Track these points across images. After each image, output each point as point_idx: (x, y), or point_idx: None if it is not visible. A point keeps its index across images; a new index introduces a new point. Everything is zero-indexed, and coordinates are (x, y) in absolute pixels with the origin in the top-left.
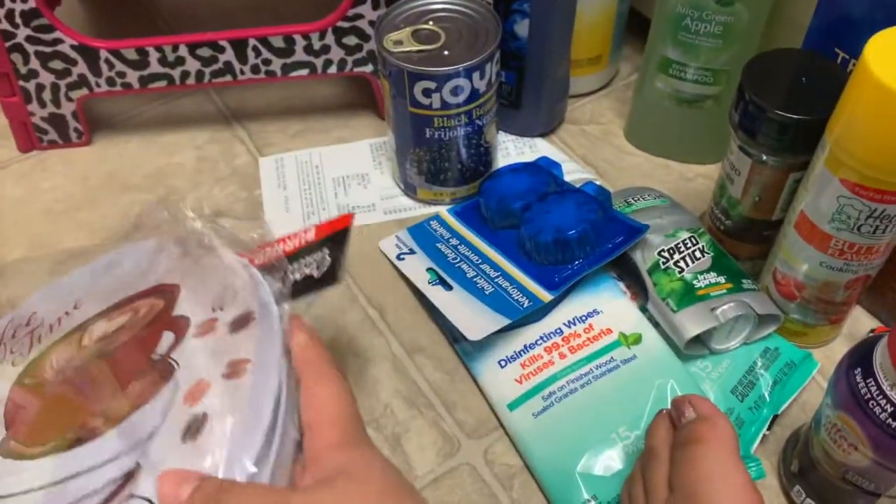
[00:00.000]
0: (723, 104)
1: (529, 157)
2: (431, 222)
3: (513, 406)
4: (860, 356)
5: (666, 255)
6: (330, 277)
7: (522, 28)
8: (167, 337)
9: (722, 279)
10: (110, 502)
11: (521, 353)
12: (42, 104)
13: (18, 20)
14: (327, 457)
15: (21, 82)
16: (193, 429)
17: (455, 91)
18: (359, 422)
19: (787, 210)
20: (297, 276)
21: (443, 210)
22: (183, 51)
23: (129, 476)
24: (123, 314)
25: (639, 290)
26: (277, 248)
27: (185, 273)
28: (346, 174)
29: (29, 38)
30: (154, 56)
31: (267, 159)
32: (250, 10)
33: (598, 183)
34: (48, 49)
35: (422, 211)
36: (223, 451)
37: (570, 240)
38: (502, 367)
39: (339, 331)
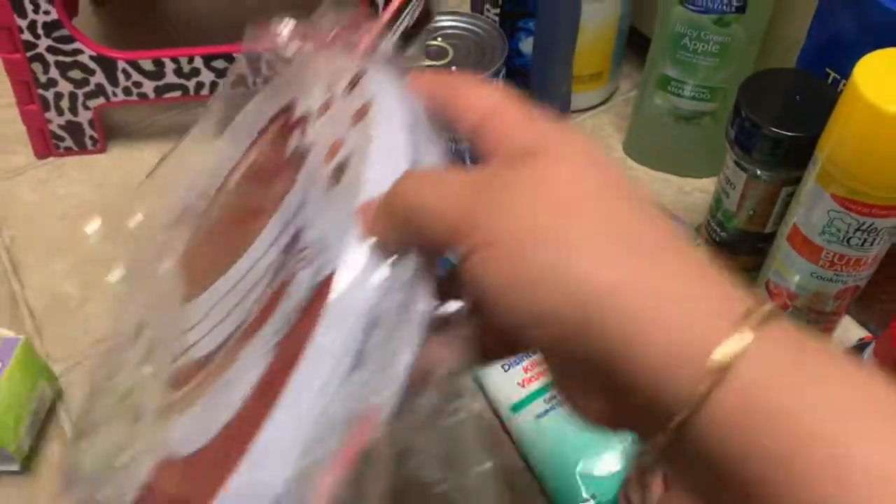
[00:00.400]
0: (719, 120)
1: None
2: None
3: (516, 408)
4: None
5: None
6: (426, 18)
7: (527, 46)
8: (295, 136)
9: None
10: (283, 268)
11: (525, 356)
12: (60, 112)
13: (40, 31)
14: (516, 134)
15: (40, 91)
16: (336, 175)
17: None
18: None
19: (780, 223)
20: (402, 30)
21: None
22: (198, 62)
23: (295, 238)
24: (256, 147)
25: None
26: (373, 24)
27: (296, 85)
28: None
29: (49, 49)
30: (170, 67)
31: None
32: (262, 21)
33: None
34: (68, 59)
35: None
36: (368, 178)
37: None
38: (506, 370)
39: None
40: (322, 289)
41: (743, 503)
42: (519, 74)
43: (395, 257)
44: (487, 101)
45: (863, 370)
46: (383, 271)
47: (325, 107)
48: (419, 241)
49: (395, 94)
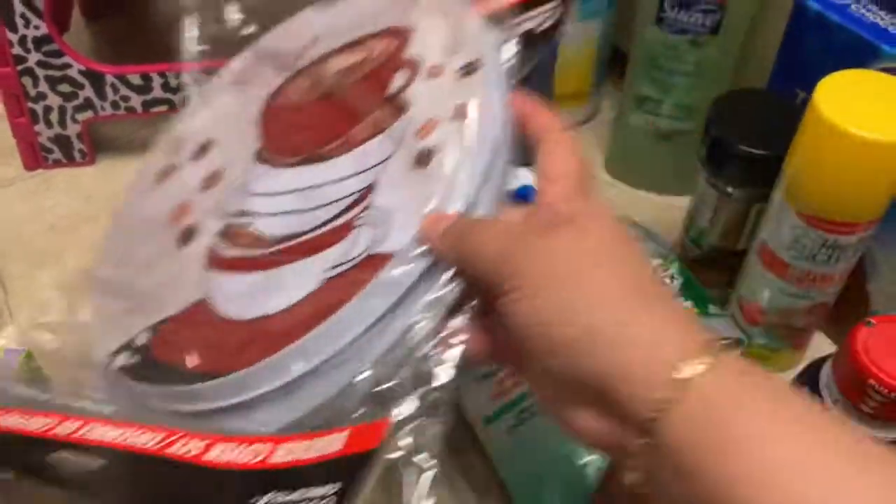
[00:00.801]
0: (694, 139)
1: (511, 185)
2: None
3: (489, 421)
4: (809, 377)
5: None
6: (556, 30)
7: None
8: (400, 76)
9: (690, 304)
10: (351, 209)
11: (499, 369)
12: (49, 125)
13: (31, 45)
14: (560, 205)
15: (30, 104)
16: (424, 159)
17: None
18: (591, 179)
19: (751, 240)
20: (530, 25)
21: None
22: (186, 77)
23: (368, 189)
24: (359, 52)
25: None
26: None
27: (419, 16)
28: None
29: (39, 63)
30: (158, 82)
31: None
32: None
33: None
34: (57, 73)
35: None
36: (448, 181)
37: None
38: (480, 382)
39: None
40: (373, 260)
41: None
42: None
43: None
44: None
45: (790, 388)
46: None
47: (436, 71)
48: (468, 269)
49: (497, 111)
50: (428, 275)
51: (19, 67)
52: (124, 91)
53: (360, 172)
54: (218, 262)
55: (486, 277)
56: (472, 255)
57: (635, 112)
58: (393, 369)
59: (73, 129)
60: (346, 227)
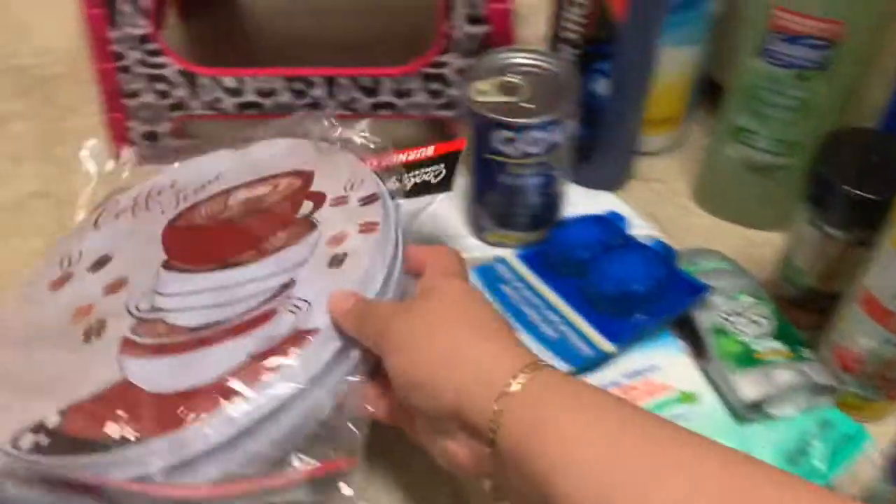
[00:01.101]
0: (793, 174)
1: (596, 208)
2: (497, 264)
3: None
4: None
5: (727, 317)
6: (445, 185)
7: (601, 87)
8: (307, 204)
9: (782, 346)
10: (271, 301)
11: None
12: (142, 122)
13: (131, 44)
14: (431, 282)
15: (125, 100)
16: (337, 261)
17: (533, 142)
18: (464, 269)
19: (850, 284)
20: (417, 180)
21: (508, 253)
22: (278, 83)
23: (287, 286)
24: (264, 186)
25: (698, 350)
26: (398, 157)
27: (319, 163)
28: (416, 208)
29: (138, 61)
30: (251, 85)
31: None
32: (340, 46)
33: (663, 240)
34: (154, 71)
35: (488, 252)
36: (360, 277)
37: (635, 293)
38: None
39: None
40: (298, 336)
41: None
42: (590, 114)
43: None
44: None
45: (593, 389)
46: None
47: (341, 201)
48: (363, 341)
49: (391, 233)
50: (342, 349)
51: (118, 64)
52: (218, 93)
53: (278, 274)
54: (133, 349)
55: (374, 348)
56: (364, 331)
57: (730, 143)
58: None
59: (164, 127)
60: (268, 314)
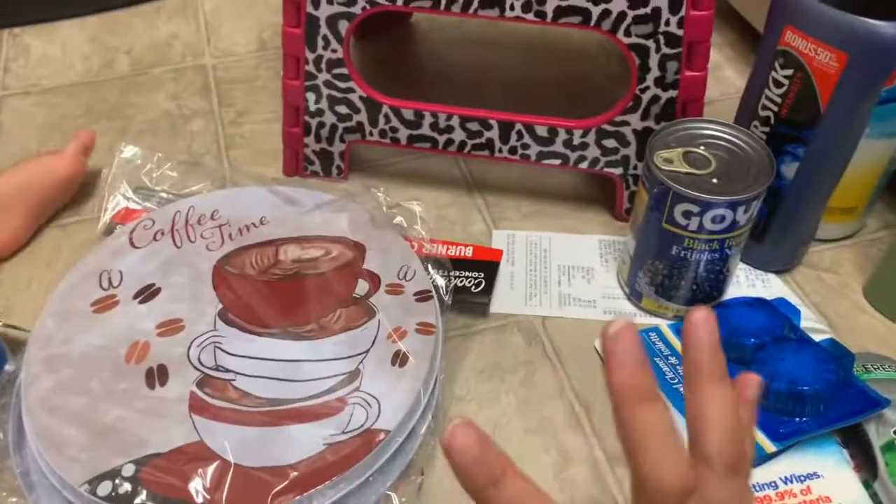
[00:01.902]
0: None
1: (760, 290)
2: (651, 334)
3: None
4: None
5: None
6: (483, 297)
7: (789, 170)
8: (363, 284)
9: None
10: (340, 389)
11: None
12: (318, 139)
13: (323, 66)
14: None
15: (306, 117)
16: (399, 360)
17: (715, 219)
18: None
19: None
20: (458, 283)
21: (663, 324)
22: (454, 121)
23: (354, 375)
24: (316, 248)
25: (865, 464)
26: (440, 249)
27: (370, 237)
28: (571, 264)
29: (326, 83)
30: (428, 120)
31: (500, 233)
32: (507, 81)
33: (836, 340)
34: (339, 95)
35: (641, 320)
36: (423, 379)
37: (806, 394)
38: None
39: (543, 421)
40: (369, 434)
41: None
42: (772, 195)
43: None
44: None
45: None
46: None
47: (396, 288)
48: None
49: (441, 336)
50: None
51: (307, 83)
52: (395, 122)
53: (344, 358)
54: (204, 409)
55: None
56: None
57: None
58: None
59: (338, 147)
60: (341, 403)
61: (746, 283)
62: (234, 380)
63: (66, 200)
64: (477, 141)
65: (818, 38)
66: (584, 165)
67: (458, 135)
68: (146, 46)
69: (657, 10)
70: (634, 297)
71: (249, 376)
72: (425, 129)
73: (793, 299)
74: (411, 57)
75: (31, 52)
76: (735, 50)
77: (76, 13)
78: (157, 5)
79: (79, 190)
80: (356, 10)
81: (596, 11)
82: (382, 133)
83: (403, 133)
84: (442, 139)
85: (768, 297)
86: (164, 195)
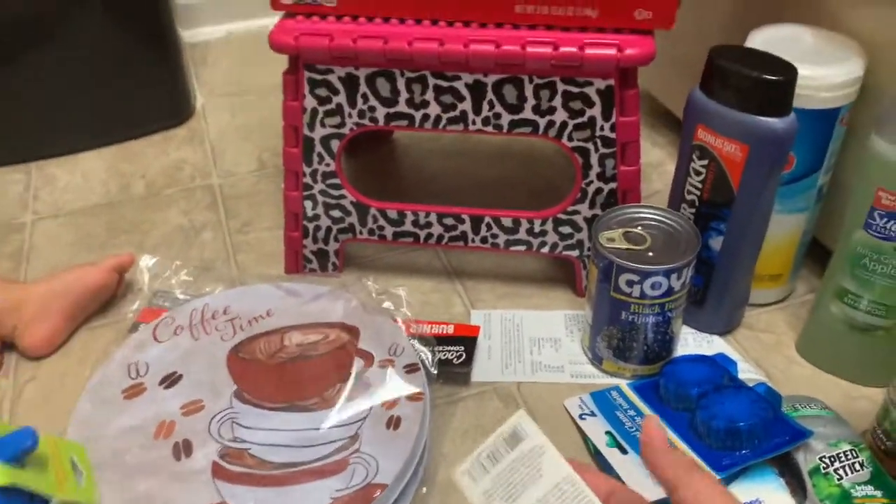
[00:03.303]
0: (893, 336)
1: (706, 350)
2: (612, 392)
3: None
4: None
5: (827, 461)
6: (464, 367)
7: (716, 243)
8: (358, 361)
9: (879, 493)
10: (343, 451)
11: None
12: (315, 241)
13: (319, 178)
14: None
15: (304, 222)
16: (393, 424)
17: (654, 286)
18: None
19: None
20: (441, 356)
21: (623, 383)
22: (433, 217)
23: (354, 439)
24: (316, 333)
25: (798, 488)
26: (425, 328)
27: (363, 321)
28: (541, 336)
29: (321, 192)
30: (409, 218)
31: (477, 313)
32: (477, 184)
33: (769, 385)
34: (333, 201)
35: (604, 380)
36: (414, 441)
37: (742, 430)
38: None
39: None
40: (369, 488)
41: None
42: (704, 265)
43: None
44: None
45: None
46: None
47: (388, 363)
48: (658, 470)
49: (428, 402)
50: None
51: (305, 193)
52: (381, 221)
53: (343, 425)
54: (225, 474)
55: (665, 483)
56: (664, 467)
57: (834, 302)
58: None
59: (332, 247)
60: (343, 463)
61: (694, 344)
62: (249, 449)
63: (97, 307)
64: (452, 233)
65: (724, 133)
66: (545, 250)
67: (437, 229)
68: (159, 171)
69: (592, 119)
70: (596, 360)
71: (263, 445)
72: (408, 226)
73: (733, 355)
74: (395, 168)
75: (56, 181)
76: (675, 147)
77: (94, 145)
78: (167, 135)
79: (109, 299)
80: (345, 130)
81: (542, 122)
82: (371, 231)
83: (389, 230)
84: (423, 234)
85: (711, 354)
86: (181, 296)
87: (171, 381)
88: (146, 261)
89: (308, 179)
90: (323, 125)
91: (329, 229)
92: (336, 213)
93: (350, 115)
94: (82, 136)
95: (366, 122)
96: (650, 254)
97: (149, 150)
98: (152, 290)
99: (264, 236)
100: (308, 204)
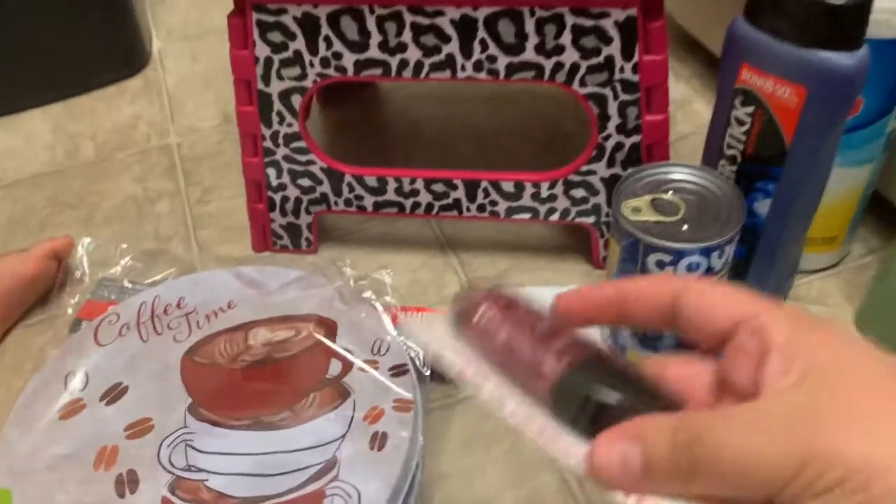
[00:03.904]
0: None
1: None
2: None
3: None
4: None
5: None
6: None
7: (762, 207)
8: (336, 363)
9: None
10: (318, 480)
11: None
12: (283, 214)
13: (281, 141)
14: (734, 310)
15: (269, 193)
16: (378, 443)
17: (690, 267)
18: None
19: None
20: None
21: None
22: (419, 184)
23: (330, 464)
24: (285, 329)
25: None
26: (413, 316)
27: (340, 313)
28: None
29: (286, 157)
30: (392, 185)
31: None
32: (475, 143)
33: None
34: (300, 168)
35: None
36: (402, 464)
37: None
38: None
39: (533, 494)
40: None
41: None
42: (749, 233)
43: None
44: (671, 283)
45: None
46: None
47: (371, 364)
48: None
49: (420, 410)
50: None
51: (266, 159)
52: (359, 190)
53: (318, 446)
54: None
55: (759, 477)
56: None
57: None
58: None
59: (304, 220)
60: (319, 496)
61: None
62: (206, 480)
63: (34, 300)
64: (444, 202)
65: (775, 73)
66: (554, 217)
67: (424, 197)
68: (110, 130)
69: (610, 59)
70: (619, 349)
71: (223, 474)
72: (390, 195)
73: None
74: (378, 119)
75: None
76: (703, 80)
77: (38, 103)
78: (121, 87)
79: (47, 291)
80: (307, 83)
81: (548, 65)
82: (347, 202)
83: (369, 200)
84: (408, 203)
85: None
86: (128, 285)
87: (114, 395)
88: (89, 244)
89: (269, 143)
90: (280, 78)
91: (299, 200)
92: (305, 182)
93: (311, 65)
94: (23, 93)
95: (331, 72)
96: (684, 227)
97: (99, 105)
98: (95, 279)
99: (228, 206)
100: (271, 172)
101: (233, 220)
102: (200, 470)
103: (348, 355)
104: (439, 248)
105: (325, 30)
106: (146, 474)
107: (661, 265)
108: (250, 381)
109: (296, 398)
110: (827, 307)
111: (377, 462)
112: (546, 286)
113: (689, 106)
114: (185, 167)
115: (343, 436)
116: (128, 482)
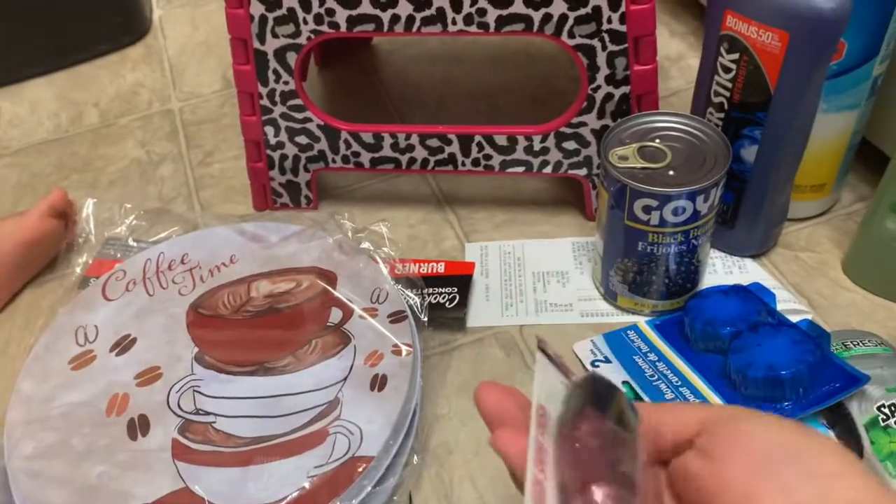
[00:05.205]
0: None
1: (738, 277)
2: (629, 332)
3: None
4: None
5: (887, 411)
6: (459, 311)
7: (749, 153)
8: (336, 312)
9: None
10: (321, 420)
11: None
12: (282, 172)
13: (277, 98)
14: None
15: (268, 151)
16: (378, 384)
17: (676, 211)
18: None
19: None
20: (432, 300)
21: (641, 321)
22: (414, 139)
23: (333, 404)
24: (286, 281)
25: (851, 443)
26: (412, 268)
27: (339, 264)
28: (546, 270)
29: (283, 115)
30: (388, 141)
31: (472, 245)
32: (471, 102)
33: (814, 321)
34: (297, 125)
35: (619, 318)
36: (401, 403)
37: (784, 379)
38: None
39: None
40: (353, 462)
41: None
42: (735, 180)
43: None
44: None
45: None
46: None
47: (370, 312)
48: None
49: (418, 354)
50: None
51: (264, 118)
52: (356, 147)
53: (321, 389)
54: (187, 454)
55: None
56: None
57: (890, 215)
58: None
59: (303, 178)
60: (322, 434)
61: (724, 270)
62: (214, 422)
63: (46, 260)
64: (439, 157)
65: (758, 19)
66: (547, 170)
67: (420, 153)
68: (113, 97)
69: (597, 9)
70: (610, 296)
71: (230, 417)
72: (387, 151)
73: (770, 282)
74: (376, 79)
75: (0, 114)
76: (698, 37)
77: (42, 72)
78: (122, 55)
79: (57, 249)
80: (301, 40)
81: (537, 17)
82: (345, 159)
83: (366, 157)
84: (405, 159)
85: (745, 283)
86: (133, 244)
87: (123, 346)
88: (93, 205)
89: (266, 101)
90: (275, 35)
91: (297, 158)
92: (302, 140)
93: (305, 22)
94: (26, 62)
95: (325, 28)
96: (671, 172)
97: (102, 72)
98: (100, 238)
99: (230, 167)
100: (269, 130)
101: (234, 180)
102: (208, 413)
103: (348, 302)
104: (436, 204)
105: None
106: (157, 419)
107: (647, 210)
108: (254, 330)
109: (298, 345)
110: (816, 254)
111: (378, 402)
112: (542, 239)
113: (684, 61)
114: (186, 131)
115: (345, 378)
116: (139, 426)
